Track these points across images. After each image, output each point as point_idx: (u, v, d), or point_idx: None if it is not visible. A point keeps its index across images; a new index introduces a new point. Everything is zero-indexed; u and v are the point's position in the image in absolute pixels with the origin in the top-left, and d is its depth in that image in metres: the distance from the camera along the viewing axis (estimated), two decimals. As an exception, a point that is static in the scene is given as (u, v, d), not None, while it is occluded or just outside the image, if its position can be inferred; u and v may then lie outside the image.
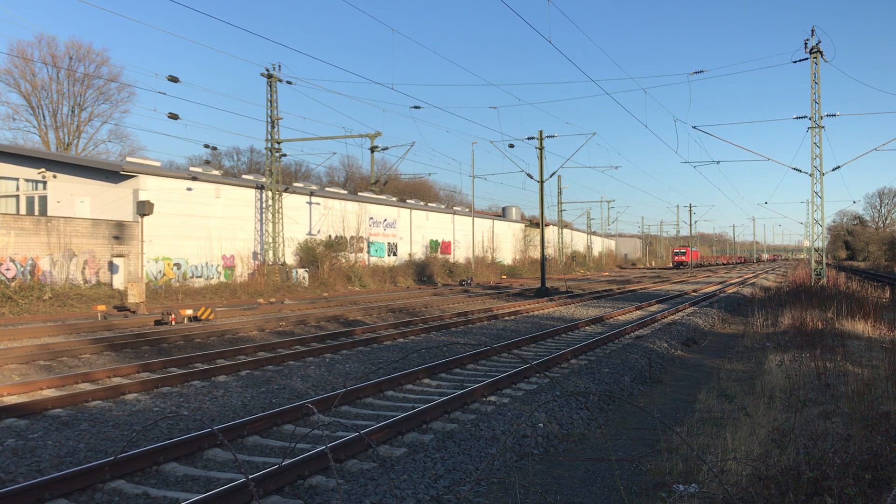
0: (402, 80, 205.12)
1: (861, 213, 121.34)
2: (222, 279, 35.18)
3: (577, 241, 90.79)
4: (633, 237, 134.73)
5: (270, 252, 36.99)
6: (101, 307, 22.19)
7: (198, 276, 34.00)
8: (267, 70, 35.92)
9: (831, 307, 18.37)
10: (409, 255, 52.81)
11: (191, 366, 12.52)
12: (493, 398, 9.68)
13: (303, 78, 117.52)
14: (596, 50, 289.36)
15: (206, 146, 48.20)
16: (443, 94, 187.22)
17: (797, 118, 31.74)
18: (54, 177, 32.19)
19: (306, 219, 42.35)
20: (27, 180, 33.21)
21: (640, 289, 38.91)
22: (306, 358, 13.42)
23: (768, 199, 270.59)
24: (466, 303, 29.39)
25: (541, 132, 36.57)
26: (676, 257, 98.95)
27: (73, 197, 31.89)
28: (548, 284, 37.82)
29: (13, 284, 24.90)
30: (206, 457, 7.12)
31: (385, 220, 50.64)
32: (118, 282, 29.15)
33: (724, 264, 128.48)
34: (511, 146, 42.01)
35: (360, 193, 52.54)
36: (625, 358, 13.22)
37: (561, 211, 78.55)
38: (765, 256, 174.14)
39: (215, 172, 39.56)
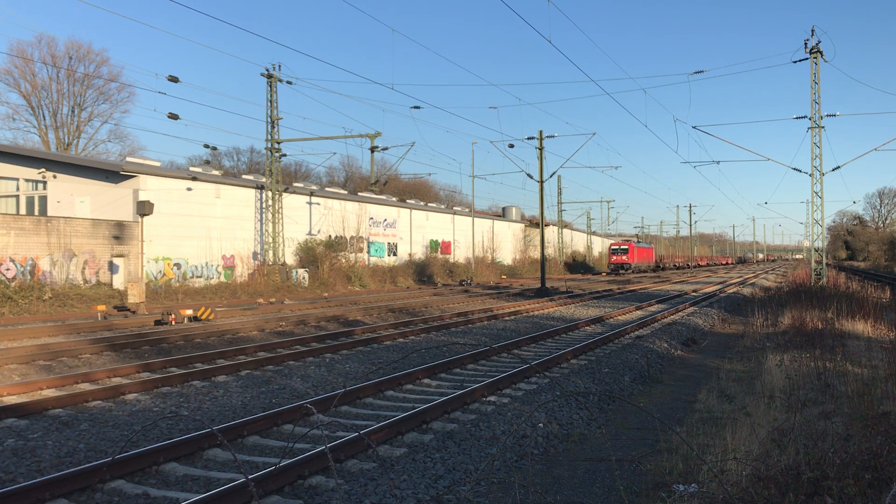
0: (402, 80, 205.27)
1: (861, 213, 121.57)
2: (222, 279, 35.18)
3: (576, 241, 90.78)
4: (632, 237, 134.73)
5: (270, 252, 36.99)
6: (101, 307, 22.19)
7: (198, 276, 33.99)
8: (267, 70, 35.93)
9: (831, 307, 18.37)
10: (409, 255, 52.81)
11: (191, 366, 12.52)
12: (493, 398, 9.67)
13: (303, 78, 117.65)
14: (596, 50, 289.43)
15: (206, 146, 48.27)
16: (443, 94, 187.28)
17: (797, 118, 31.79)
18: (54, 177, 32.18)
19: (306, 219, 42.35)
20: (27, 180, 33.22)
21: (640, 289, 38.92)
22: (306, 358, 13.42)
23: (768, 199, 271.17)
24: (466, 303, 29.39)
25: (541, 132, 36.60)
26: (614, 257, 70.22)
27: (73, 197, 31.89)
28: (548, 284, 37.82)
29: (13, 284, 24.90)
30: (206, 457, 7.12)
31: (385, 220, 50.65)
32: (118, 282, 29.15)
33: (701, 266, 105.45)
34: (511, 146, 42.06)
35: (360, 193, 52.55)
36: (625, 358, 13.22)
37: (561, 211, 78.62)
38: (760, 256, 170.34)
39: (215, 172, 39.55)
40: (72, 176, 32.14)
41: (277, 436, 8.00)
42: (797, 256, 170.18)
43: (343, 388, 7.01)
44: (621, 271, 68.80)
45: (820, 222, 31.99)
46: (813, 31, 30.31)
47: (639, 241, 79.90)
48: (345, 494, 5.80)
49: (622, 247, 71.01)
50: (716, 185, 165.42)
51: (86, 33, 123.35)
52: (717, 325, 21.46)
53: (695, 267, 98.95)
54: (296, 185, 45.82)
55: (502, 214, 74.43)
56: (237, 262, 36.40)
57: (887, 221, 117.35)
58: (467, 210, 65.41)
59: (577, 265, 78.56)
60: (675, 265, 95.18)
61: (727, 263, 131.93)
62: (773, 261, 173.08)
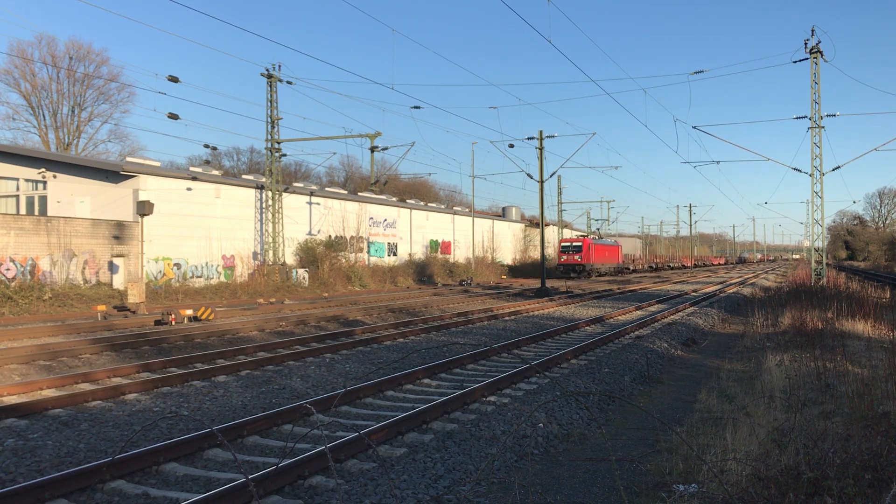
0: (402, 80, 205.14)
1: (861, 213, 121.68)
2: (222, 279, 35.18)
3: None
4: (633, 237, 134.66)
5: (270, 252, 36.98)
6: (101, 307, 22.18)
7: (198, 276, 33.99)
8: (267, 70, 35.93)
9: (831, 307, 18.36)
10: (409, 255, 52.81)
11: (191, 366, 12.52)
12: (493, 398, 9.67)
13: (303, 78, 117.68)
14: (596, 50, 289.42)
15: (206, 146, 48.19)
16: (443, 94, 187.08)
17: (797, 118, 31.80)
18: (54, 177, 32.18)
19: (306, 219, 42.35)
20: (27, 180, 33.22)
21: (641, 289, 38.92)
22: (306, 358, 13.42)
23: (768, 199, 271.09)
24: (466, 303, 29.38)
25: (541, 132, 36.62)
26: (564, 257, 55.43)
27: (73, 197, 31.88)
28: (548, 284, 37.83)
29: (13, 284, 24.89)
30: (206, 457, 7.12)
31: (385, 220, 50.64)
32: (118, 282, 29.14)
33: (687, 268, 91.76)
34: (511, 146, 42.07)
35: (360, 193, 52.54)
36: (625, 358, 13.22)
37: (561, 211, 78.42)
38: (758, 256, 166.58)
39: (215, 172, 39.56)
40: (72, 176, 32.14)
41: (277, 436, 8.00)
42: (795, 256, 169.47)
43: (343, 388, 7.01)
44: (572, 274, 54.33)
45: (820, 222, 32.00)
46: (813, 31, 30.32)
47: (599, 238, 64.33)
48: (345, 494, 5.79)
49: (574, 244, 55.74)
50: (716, 185, 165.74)
51: (86, 33, 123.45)
52: (717, 325, 21.46)
53: (679, 268, 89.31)
54: (296, 185, 45.82)
55: (502, 214, 74.44)
56: (237, 262, 36.40)
57: (887, 221, 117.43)
58: (467, 210, 65.40)
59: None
60: (651, 266, 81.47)
61: (724, 263, 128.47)
62: (773, 261, 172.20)
